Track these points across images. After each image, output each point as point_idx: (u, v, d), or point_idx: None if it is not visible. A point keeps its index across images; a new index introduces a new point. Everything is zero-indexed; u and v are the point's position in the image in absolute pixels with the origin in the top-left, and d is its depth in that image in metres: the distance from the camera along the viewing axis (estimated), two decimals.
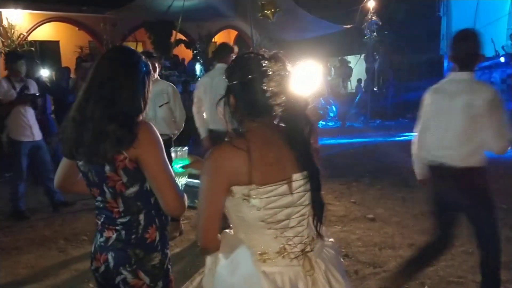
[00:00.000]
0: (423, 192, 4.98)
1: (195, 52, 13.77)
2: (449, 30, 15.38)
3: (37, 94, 5.46)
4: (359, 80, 15.72)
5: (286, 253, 1.55)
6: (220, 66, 4.54)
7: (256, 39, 15.65)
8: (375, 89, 14.79)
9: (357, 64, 16.35)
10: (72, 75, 8.69)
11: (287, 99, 1.53)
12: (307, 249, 1.58)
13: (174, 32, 12.87)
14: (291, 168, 1.54)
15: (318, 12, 13.16)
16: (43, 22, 13.88)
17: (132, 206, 1.71)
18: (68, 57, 13.02)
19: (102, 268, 1.74)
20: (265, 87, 1.50)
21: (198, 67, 12.40)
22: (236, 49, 4.75)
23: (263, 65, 1.51)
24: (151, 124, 1.71)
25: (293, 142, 1.56)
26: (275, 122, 1.59)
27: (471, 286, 3.34)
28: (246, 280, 1.52)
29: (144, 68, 1.73)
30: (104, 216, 1.76)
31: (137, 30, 15.02)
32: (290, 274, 1.53)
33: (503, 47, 16.16)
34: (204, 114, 4.64)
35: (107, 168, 1.65)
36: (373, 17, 11.94)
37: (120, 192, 1.68)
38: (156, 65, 4.33)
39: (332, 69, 16.38)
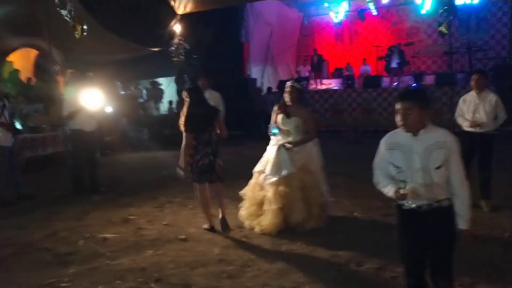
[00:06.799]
0: (228, 208, 5.27)
1: None
2: (250, 55, 16.77)
3: None
4: (170, 102, 15.96)
5: None
6: None
7: (61, 59, 14.69)
8: None
9: (169, 87, 16.60)
10: None
11: None
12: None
13: None
14: None
15: (126, 35, 12.98)
16: None
17: None
18: None
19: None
20: None
21: None
22: None
23: None
24: None
25: None
26: None
27: None
28: None
29: None
30: None
31: None
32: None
33: (297, 71, 18.32)
34: None
35: None
36: (180, 41, 12.30)
37: None
38: None
39: (144, 91, 16.28)
